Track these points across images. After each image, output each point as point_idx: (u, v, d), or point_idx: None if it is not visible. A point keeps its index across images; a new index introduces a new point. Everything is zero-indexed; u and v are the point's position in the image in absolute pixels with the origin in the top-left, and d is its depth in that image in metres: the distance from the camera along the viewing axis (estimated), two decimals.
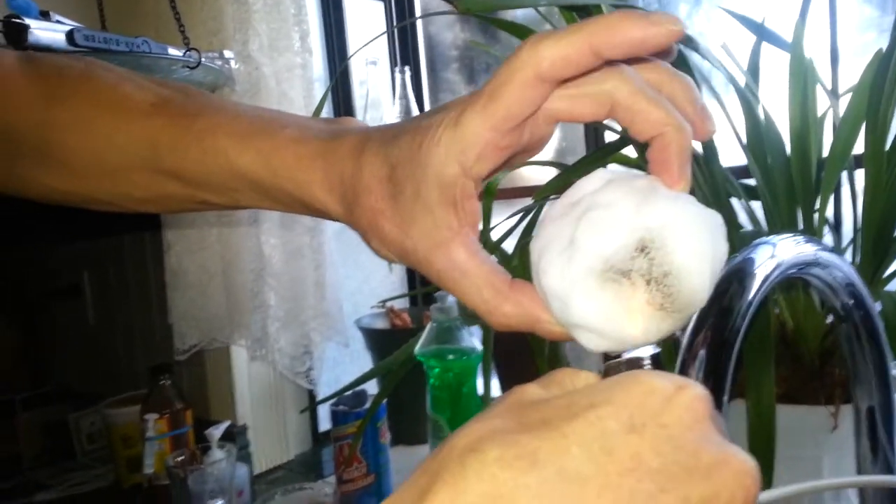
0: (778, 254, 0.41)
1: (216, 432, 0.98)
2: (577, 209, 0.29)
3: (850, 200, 0.84)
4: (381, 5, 1.64)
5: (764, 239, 0.42)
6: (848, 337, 0.48)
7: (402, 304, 1.61)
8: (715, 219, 0.29)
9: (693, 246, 0.27)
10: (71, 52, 0.77)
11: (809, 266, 0.43)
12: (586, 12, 0.80)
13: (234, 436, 1.21)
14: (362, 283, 1.56)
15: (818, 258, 0.43)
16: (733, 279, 0.38)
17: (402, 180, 0.31)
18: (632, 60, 0.29)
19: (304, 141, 0.35)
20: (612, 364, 0.29)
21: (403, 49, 1.64)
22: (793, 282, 0.75)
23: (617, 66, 0.28)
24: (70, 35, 0.77)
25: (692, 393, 0.23)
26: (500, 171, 0.32)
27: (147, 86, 0.40)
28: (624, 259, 0.27)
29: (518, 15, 1.31)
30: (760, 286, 0.39)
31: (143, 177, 0.39)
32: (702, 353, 0.38)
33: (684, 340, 0.39)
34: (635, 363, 0.29)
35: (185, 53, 0.94)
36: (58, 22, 0.78)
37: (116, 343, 1.46)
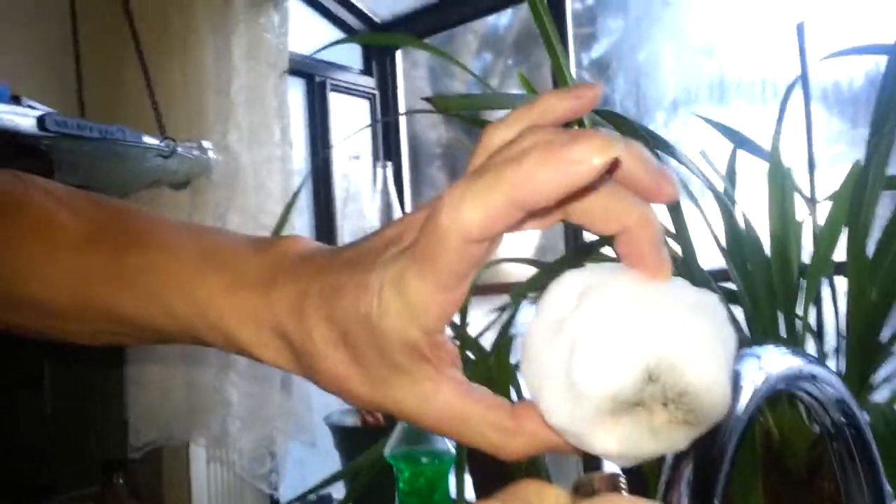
0: (765, 366, 0.39)
1: None
2: (562, 337, 0.26)
3: (831, 307, 0.83)
4: (367, 103, 1.68)
5: (748, 351, 0.39)
6: (839, 455, 0.45)
7: None
8: (714, 306, 0.26)
9: (703, 359, 0.25)
10: (42, 138, 0.76)
11: (798, 380, 0.41)
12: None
13: None
14: None
15: (808, 372, 0.40)
16: None
17: (360, 345, 0.28)
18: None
19: (239, 292, 0.32)
20: (584, 480, 0.26)
21: (386, 145, 1.66)
22: (779, 395, 0.73)
23: None
24: (41, 120, 0.76)
25: None
26: None
27: (85, 211, 0.37)
28: (634, 392, 0.25)
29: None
30: (749, 401, 0.36)
31: (76, 314, 0.36)
32: (687, 472, 0.35)
33: (668, 459, 0.36)
34: (610, 481, 0.26)
35: (160, 142, 0.94)
36: (29, 107, 0.78)
37: (72, 437, 1.38)
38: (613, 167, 0.25)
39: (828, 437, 0.45)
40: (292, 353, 0.31)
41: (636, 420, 0.26)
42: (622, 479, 0.26)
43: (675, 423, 0.25)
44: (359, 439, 1.26)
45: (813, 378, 0.41)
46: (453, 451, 0.94)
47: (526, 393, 0.28)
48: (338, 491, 1.03)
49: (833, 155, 1.22)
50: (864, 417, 0.44)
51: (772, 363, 0.39)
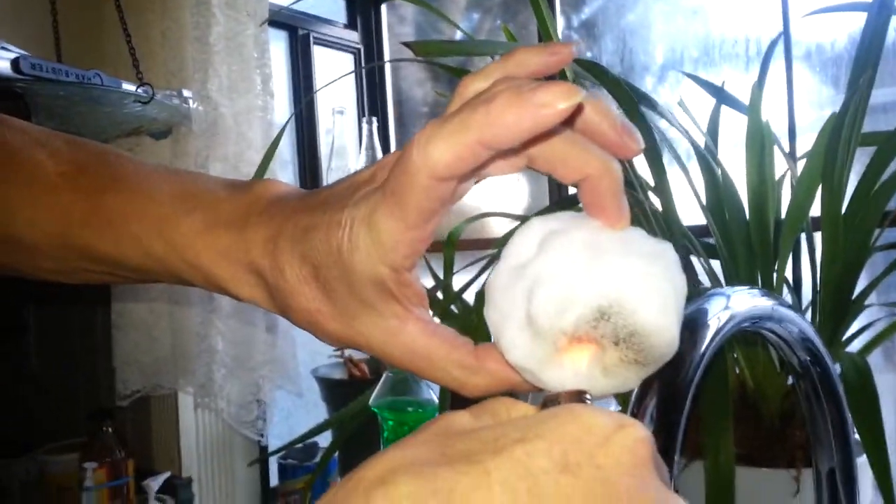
0: (732, 305, 0.40)
1: (154, 484, 0.93)
2: (523, 279, 0.28)
3: (808, 262, 0.85)
4: (351, 57, 1.66)
5: (718, 290, 0.41)
6: (806, 395, 0.47)
7: (361, 354, 1.57)
8: (667, 254, 0.27)
9: (652, 302, 0.27)
10: (16, 80, 0.75)
11: (764, 320, 0.42)
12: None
13: (177, 488, 1.15)
14: None
15: (773, 312, 0.42)
16: (685, 329, 0.37)
17: (330, 280, 0.29)
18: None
19: (215, 231, 0.33)
20: (552, 396, 0.28)
21: (372, 101, 1.65)
22: (751, 338, 0.75)
23: None
24: (16, 63, 0.76)
25: (634, 433, 0.22)
26: None
27: (62, 151, 0.38)
28: (587, 329, 0.27)
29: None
30: (713, 337, 0.38)
31: (53, 252, 0.37)
32: (651, 405, 0.37)
33: (634, 393, 0.38)
34: (577, 396, 0.27)
35: (137, 88, 0.93)
36: (3, 48, 0.76)
37: (58, 386, 1.39)
38: (576, 113, 0.26)
39: (796, 377, 0.46)
40: (266, 289, 0.32)
41: (589, 357, 0.27)
42: (588, 395, 0.28)
43: (626, 362, 0.27)
44: (345, 391, 1.28)
45: (779, 318, 0.42)
46: (436, 400, 0.96)
47: None
48: (325, 440, 1.05)
49: (821, 118, 1.23)
50: (829, 357, 0.45)
51: (740, 302, 0.41)
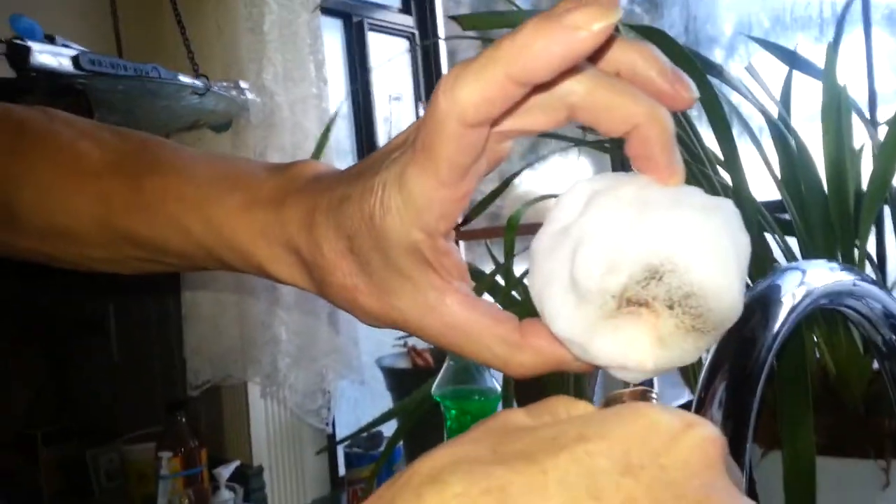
0: (808, 281, 0.37)
1: (225, 472, 0.95)
2: (567, 240, 0.25)
3: (893, 237, 0.79)
4: (406, 42, 1.65)
5: (793, 264, 0.38)
6: (892, 376, 0.43)
7: (425, 343, 1.57)
8: (725, 208, 0.25)
9: (710, 256, 0.24)
10: (77, 76, 0.78)
11: (844, 296, 0.39)
12: None
13: (248, 477, 1.18)
14: None
15: (854, 287, 0.38)
16: (756, 308, 0.34)
17: (366, 252, 0.28)
18: None
19: (253, 211, 0.32)
20: (615, 395, 0.25)
21: (428, 86, 1.64)
22: (831, 316, 0.70)
23: None
24: (76, 59, 0.78)
25: (703, 433, 0.20)
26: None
27: (107, 141, 0.38)
28: (637, 291, 0.24)
29: None
30: (788, 316, 0.35)
31: (99, 240, 0.37)
32: (720, 391, 0.34)
33: (701, 377, 0.35)
34: (642, 395, 0.25)
35: (194, 80, 0.94)
36: (64, 46, 0.79)
37: (137, 377, 1.45)
38: (608, 44, 0.24)
39: (879, 356, 0.43)
40: (304, 267, 0.31)
41: (641, 325, 0.24)
42: (653, 393, 0.25)
43: (683, 329, 0.24)
44: (409, 381, 1.28)
45: (860, 294, 0.39)
46: (499, 388, 0.95)
47: None
48: (389, 429, 1.05)
49: None
50: None
51: (817, 278, 0.37)
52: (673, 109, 0.25)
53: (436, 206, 0.26)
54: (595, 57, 0.25)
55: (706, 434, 0.20)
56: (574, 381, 0.84)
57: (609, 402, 0.25)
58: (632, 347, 0.25)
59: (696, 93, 0.25)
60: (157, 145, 0.38)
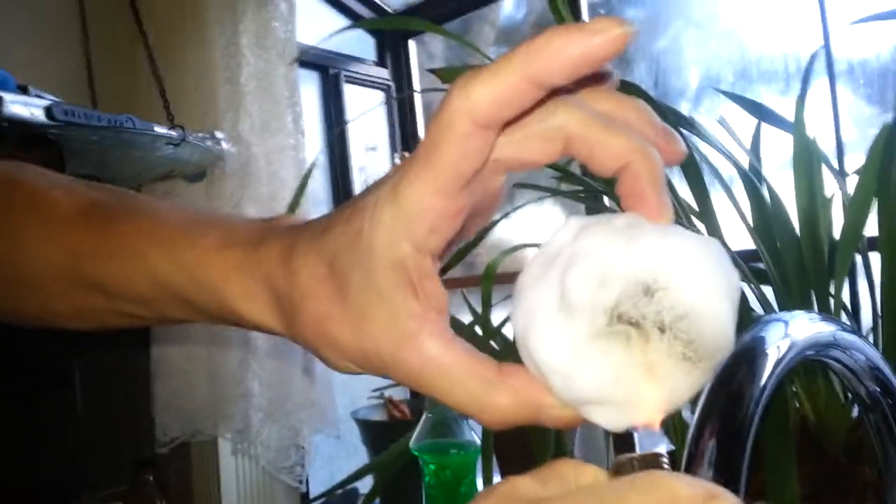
0: (792, 332, 0.37)
1: None
2: (556, 264, 0.25)
3: (867, 285, 0.80)
4: (382, 94, 1.67)
5: (775, 316, 0.37)
6: (877, 429, 0.42)
7: (402, 394, 1.55)
8: (715, 246, 0.24)
9: (703, 280, 0.23)
10: (49, 127, 0.77)
11: (828, 348, 0.38)
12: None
13: None
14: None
15: (837, 338, 0.38)
16: (742, 360, 0.34)
17: (346, 272, 0.27)
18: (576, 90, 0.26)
19: (229, 250, 0.31)
20: (624, 460, 0.24)
21: (404, 137, 1.65)
22: (810, 366, 0.70)
23: (561, 96, 0.25)
24: (49, 110, 0.77)
25: None
26: (455, 242, 0.28)
27: (79, 191, 0.38)
28: (628, 308, 0.23)
29: None
30: (774, 368, 0.35)
31: (64, 288, 0.36)
32: (711, 445, 0.33)
33: (690, 431, 0.35)
34: (651, 461, 0.24)
35: (168, 130, 0.94)
36: (37, 96, 0.78)
37: (102, 435, 1.40)
38: (604, 77, 0.25)
39: (863, 408, 0.42)
40: (276, 304, 0.30)
41: (630, 349, 0.23)
42: (664, 459, 0.24)
43: (674, 357, 0.23)
44: (386, 434, 1.25)
45: (844, 346, 0.39)
46: (478, 442, 0.93)
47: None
48: (366, 486, 1.02)
49: (866, 138, 1.18)
50: None
51: (800, 329, 0.37)
52: (666, 163, 0.25)
53: (428, 216, 0.25)
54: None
55: None
56: (555, 436, 0.83)
57: (619, 469, 0.24)
58: (620, 375, 0.23)
59: (684, 148, 0.25)
60: (131, 196, 0.38)
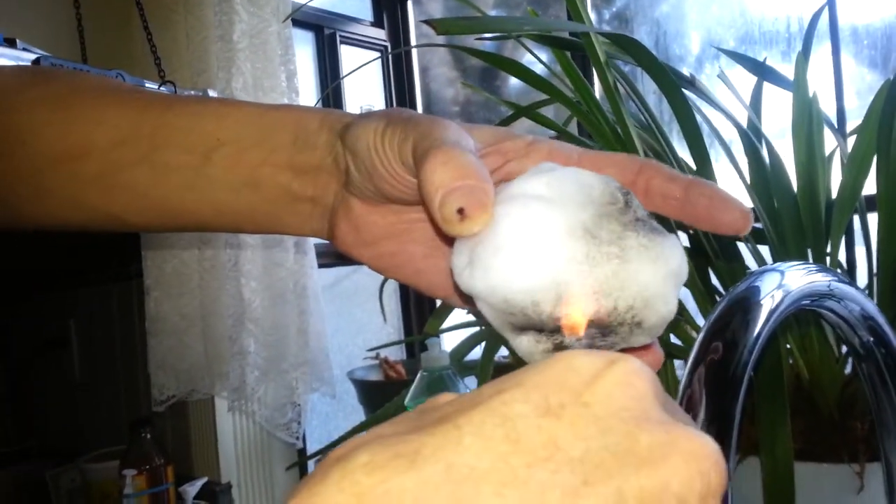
0: (787, 283, 0.37)
1: (192, 490, 0.92)
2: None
3: (863, 244, 0.80)
4: (378, 55, 1.64)
5: (770, 266, 0.37)
6: (870, 380, 0.43)
7: (398, 355, 1.56)
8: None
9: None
10: None
11: (823, 298, 0.38)
12: (571, 46, 0.78)
13: (216, 494, 1.15)
14: (356, 334, 1.51)
15: (832, 289, 0.38)
16: (737, 310, 0.34)
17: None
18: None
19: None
20: None
21: (400, 99, 1.63)
22: (804, 319, 0.70)
23: None
24: (37, 63, 0.76)
25: (626, 366, 0.19)
26: None
27: (133, 86, 0.39)
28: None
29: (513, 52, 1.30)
30: (769, 317, 0.34)
31: (116, 143, 0.34)
32: (703, 393, 0.33)
33: (682, 379, 0.35)
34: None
35: (159, 87, 0.93)
36: (24, 50, 0.77)
37: (100, 395, 1.41)
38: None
39: (857, 359, 0.42)
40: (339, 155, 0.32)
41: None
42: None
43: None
44: (381, 393, 1.26)
45: (839, 296, 0.39)
46: None
47: None
48: None
49: (865, 105, 1.17)
50: (895, 337, 0.41)
51: (795, 279, 0.37)
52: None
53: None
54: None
55: (630, 367, 0.19)
56: None
57: None
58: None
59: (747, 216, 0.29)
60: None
